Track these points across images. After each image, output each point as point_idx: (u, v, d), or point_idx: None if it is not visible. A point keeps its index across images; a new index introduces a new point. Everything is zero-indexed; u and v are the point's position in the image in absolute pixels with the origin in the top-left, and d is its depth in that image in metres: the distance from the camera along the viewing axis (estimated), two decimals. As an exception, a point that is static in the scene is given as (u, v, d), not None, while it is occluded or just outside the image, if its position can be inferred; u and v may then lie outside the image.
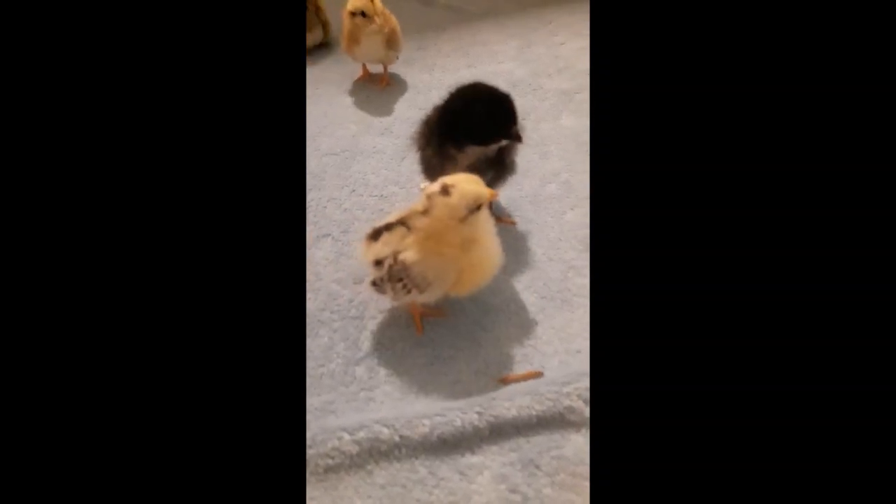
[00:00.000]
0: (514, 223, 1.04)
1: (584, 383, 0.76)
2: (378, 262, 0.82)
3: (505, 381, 0.82)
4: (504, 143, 0.92)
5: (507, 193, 1.07)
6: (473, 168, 0.92)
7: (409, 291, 0.81)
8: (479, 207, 0.78)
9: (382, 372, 0.84)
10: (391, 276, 0.81)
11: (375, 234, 0.84)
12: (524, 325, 0.89)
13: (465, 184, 0.79)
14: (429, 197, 0.79)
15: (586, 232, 1.02)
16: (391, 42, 1.34)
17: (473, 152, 0.92)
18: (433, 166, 0.96)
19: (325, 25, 1.52)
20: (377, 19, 1.28)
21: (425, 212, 0.79)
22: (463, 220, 0.78)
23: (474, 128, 0.90)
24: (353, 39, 1.33)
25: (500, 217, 1.04)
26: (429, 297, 0.84)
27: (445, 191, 0.78)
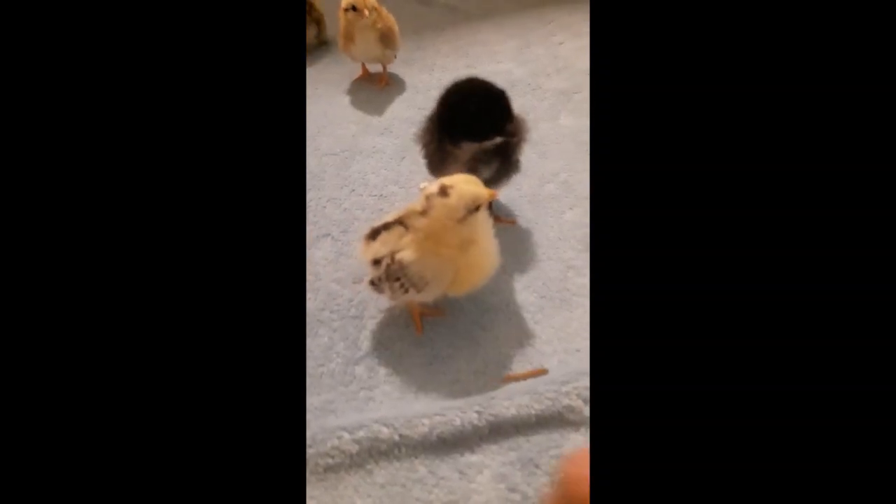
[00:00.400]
0: (513, 223, 1.04)
1: (583, 382, 0.76)
2: (376, 262, 0.83)
3: (509, 380, 0.82)
4: (499, 140, 0.92)
5: (506, 193, 1.08)
6: (474, 164, 0.93)
7: (406, 291, 0.82)
8: (477, 208, 0.78)
9: (382, 371, 0.84)
10: (389, 275, 0.81)
11: (374, 234, 0.85)
12: (523, 325, 0.89)
13: (464, 184, 0.79)
14: (427, 198, 0.79)
15: (585, 231, 1.02)
16: (387, 40, 1.34)
17: (470, 148, 0.92)
18: (435, 162, 0.97)
19: (318, 23, 1.52)
20: (366, 12, 1.28)
21: (424, 212, 0.79)
22: (461, 220, 0.78)
23: (468, 124, 0.91)
24: (349, 37, 1.34)
25: (500, 216, 1.04)
26: (426, 296, 0.84)
27: (444, 192, 0.78)
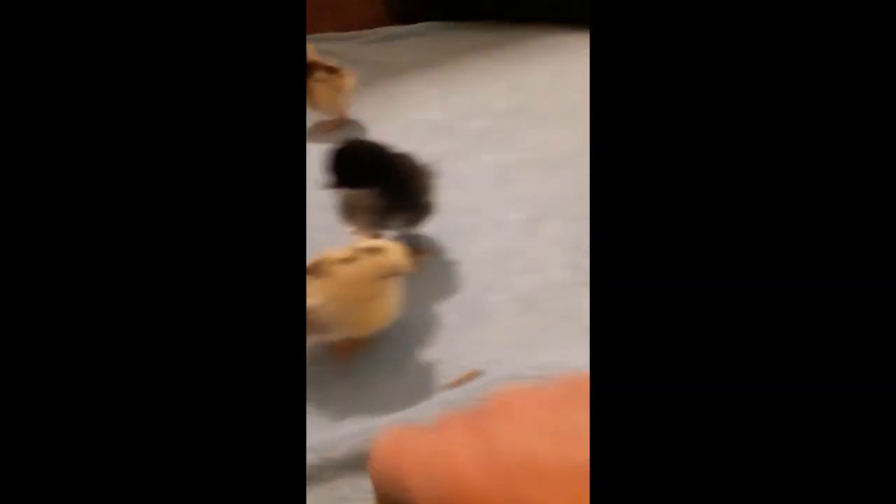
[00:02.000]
0: (433, 255, 1.11)
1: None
2: None
3: (447, 388, 0.87)
4: (375, 189, 0.99)
5: (426, 228, 1.13)
6: (377, 211, 1.00)
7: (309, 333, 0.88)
8: (396, 275, 0.88)
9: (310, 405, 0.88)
10: None
11: None
12: (440, 346, 0.96)
13: (392, 252, 0.88)
14: (357, 251, 0.87)
15: (502, 257, 1.09)
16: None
17: (354, 196, 1.00)
18: (345, 211, 1.04)
19: None
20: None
21: (349, 261, 0.87)
22: (380, 279, 0.87)
23: (340, 175, 0.99)
24: None
25: (420, 249, 1.10)
26: (329, 338, 0.91)
27: (375, 251, 0.87)
